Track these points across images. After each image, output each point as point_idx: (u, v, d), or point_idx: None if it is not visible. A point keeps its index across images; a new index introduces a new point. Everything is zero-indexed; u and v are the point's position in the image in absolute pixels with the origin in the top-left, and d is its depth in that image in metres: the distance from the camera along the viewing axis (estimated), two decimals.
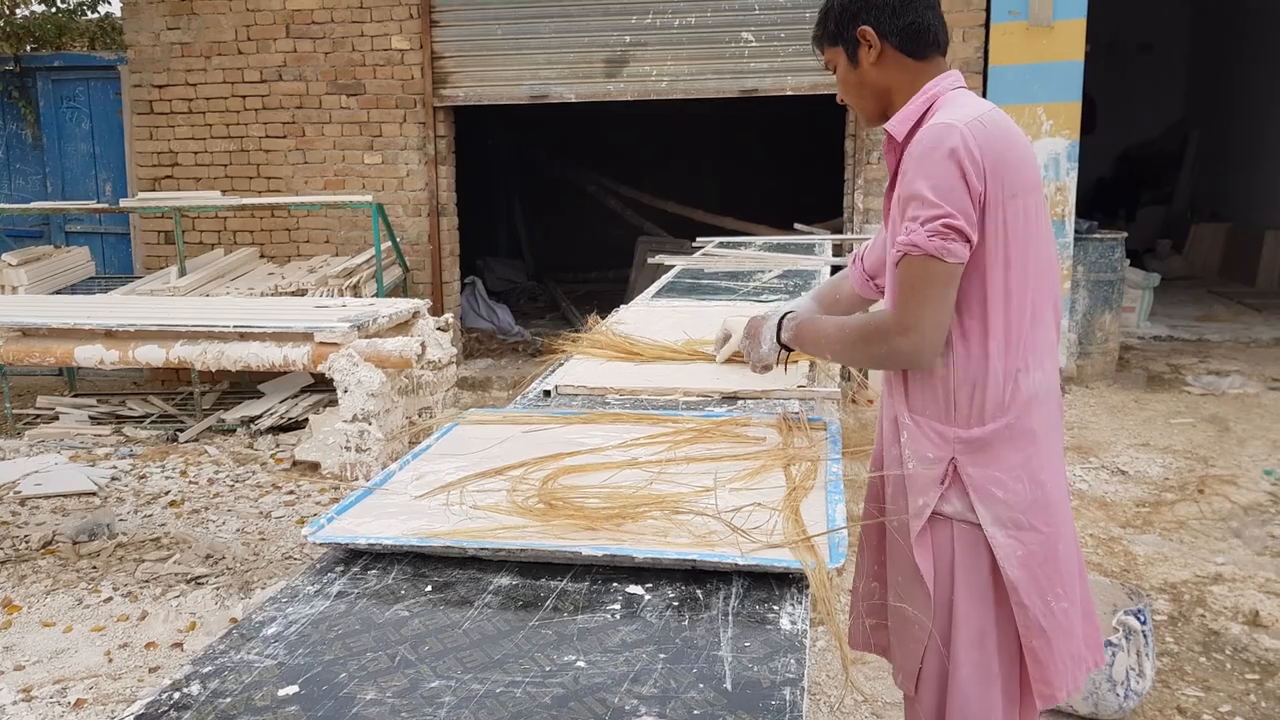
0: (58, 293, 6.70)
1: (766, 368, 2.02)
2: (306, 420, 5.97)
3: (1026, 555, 1.64)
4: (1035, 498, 1.66)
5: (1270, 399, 6.23)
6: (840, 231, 7.10)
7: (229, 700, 1.06)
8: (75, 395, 7.02)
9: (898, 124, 1.71)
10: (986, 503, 1.65)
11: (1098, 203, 11.94)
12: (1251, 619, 3.43)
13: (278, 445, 5.89)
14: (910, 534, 1.72)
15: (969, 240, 1.58)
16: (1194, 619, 3.46)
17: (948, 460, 1.68)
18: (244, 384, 7.06)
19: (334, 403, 4.85)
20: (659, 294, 3.65)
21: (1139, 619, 2.82)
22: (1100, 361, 6.82)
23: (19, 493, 5.03)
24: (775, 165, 11.14)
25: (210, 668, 1.13)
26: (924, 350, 1.62)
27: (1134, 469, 4.99)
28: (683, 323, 2.87)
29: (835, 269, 5.79)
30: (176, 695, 1.08)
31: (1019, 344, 1.65)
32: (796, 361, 2.25)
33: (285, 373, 6.47)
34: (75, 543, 4.37)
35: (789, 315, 1.93)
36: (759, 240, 5.49)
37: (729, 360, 2.38)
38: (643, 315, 3.16)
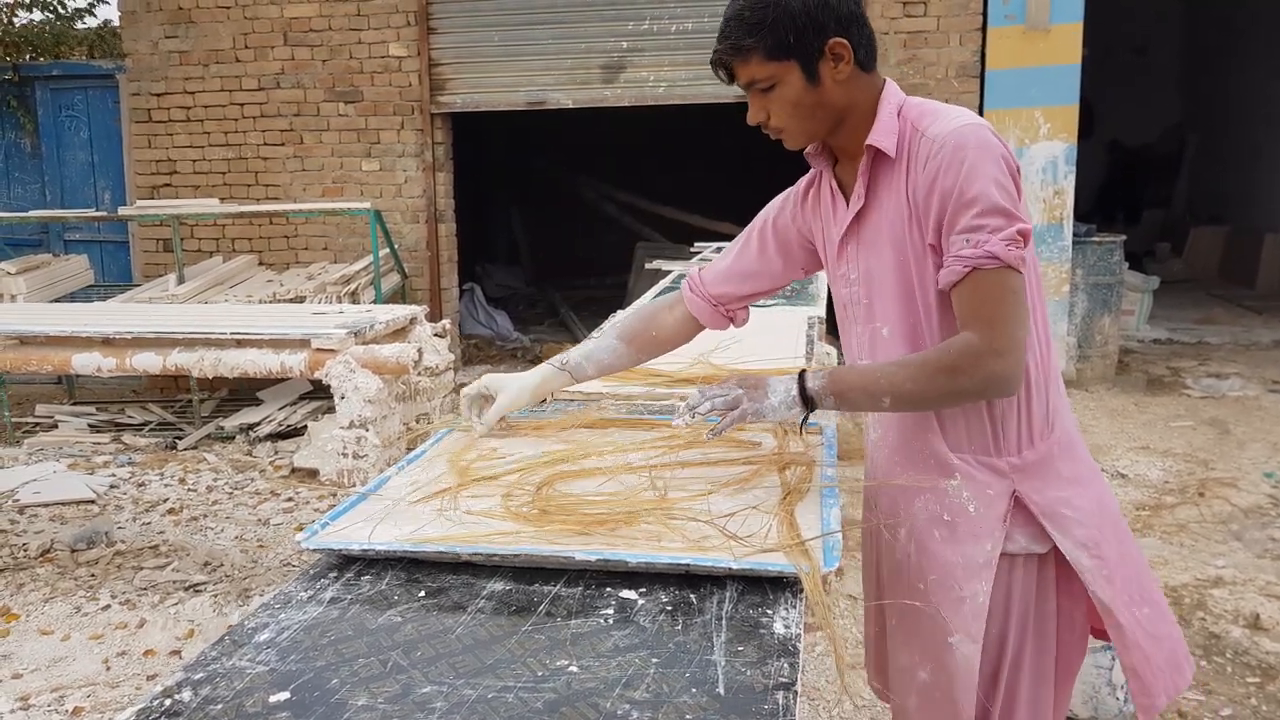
0: (56, 301, 6.71)
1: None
2: (305, 427, 5.97)
3: (1111, 572, 1.53)
4: (1096, 505, 1.56)
5: (1270, 401, 6.22)
6: None
7: (220, 707, 1.06)
8: (74, 403, 7.02)
9: (884, 137, 1.52)
10: (1062, 526, 1.52)
11: (1100, 205, 11.95)
12: (1252, 622, 3.42)
13: (276, 452, 5.88)
14: (976, 584, 1.54)
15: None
16: (1194, 622, 3.45)
17: (1009, 495, 1.53)
18: (243, 391, 7.06)
19: (332, 409, 4.84)
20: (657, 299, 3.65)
21: None
22: (1100, 365, 6.81)
23: (17, 501, 5.02)
24: (772, 171, 11.14)
25: (202, 674, 1.13)
26: (1018, 374, 1.44)
27: (1134, 472, 4.99)
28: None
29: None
30: (168, 702, 1.07)
31: (1046, 350, 1.55)
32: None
33: (283, 380, 6.47)
34: (74, 551, 4.37)
35: (811, 368, 1.57)
36: None
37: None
38: None
